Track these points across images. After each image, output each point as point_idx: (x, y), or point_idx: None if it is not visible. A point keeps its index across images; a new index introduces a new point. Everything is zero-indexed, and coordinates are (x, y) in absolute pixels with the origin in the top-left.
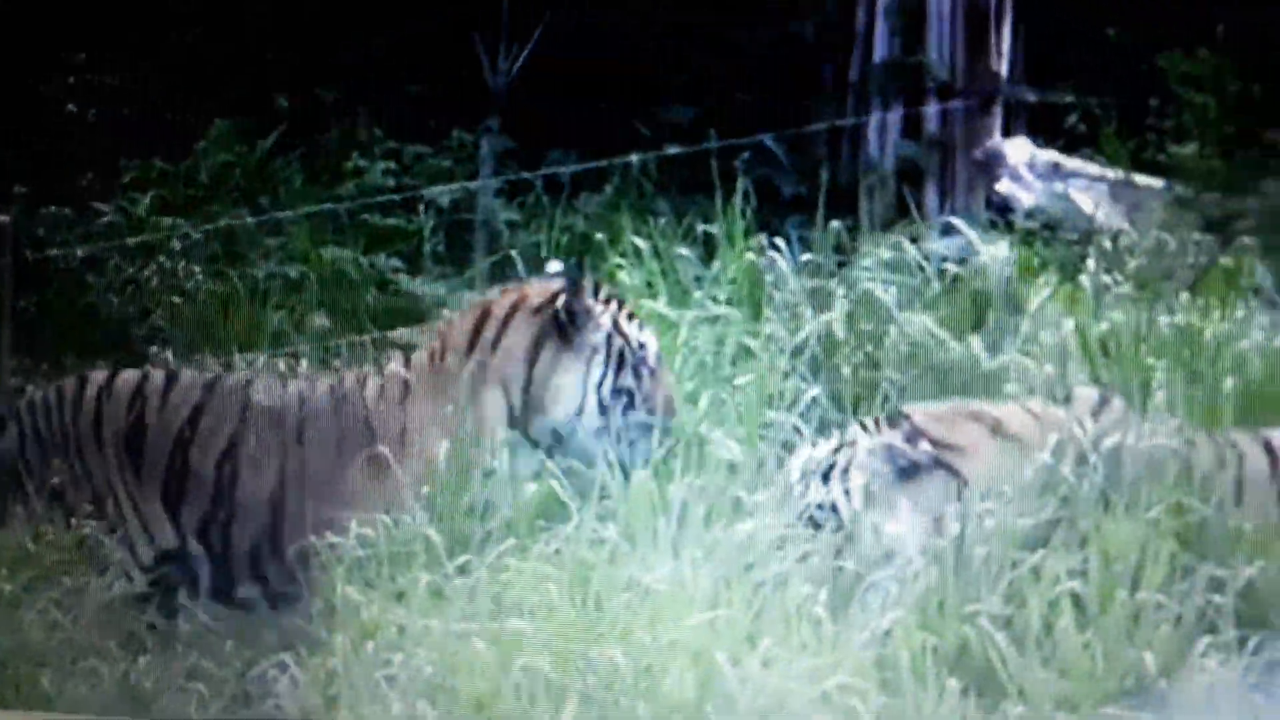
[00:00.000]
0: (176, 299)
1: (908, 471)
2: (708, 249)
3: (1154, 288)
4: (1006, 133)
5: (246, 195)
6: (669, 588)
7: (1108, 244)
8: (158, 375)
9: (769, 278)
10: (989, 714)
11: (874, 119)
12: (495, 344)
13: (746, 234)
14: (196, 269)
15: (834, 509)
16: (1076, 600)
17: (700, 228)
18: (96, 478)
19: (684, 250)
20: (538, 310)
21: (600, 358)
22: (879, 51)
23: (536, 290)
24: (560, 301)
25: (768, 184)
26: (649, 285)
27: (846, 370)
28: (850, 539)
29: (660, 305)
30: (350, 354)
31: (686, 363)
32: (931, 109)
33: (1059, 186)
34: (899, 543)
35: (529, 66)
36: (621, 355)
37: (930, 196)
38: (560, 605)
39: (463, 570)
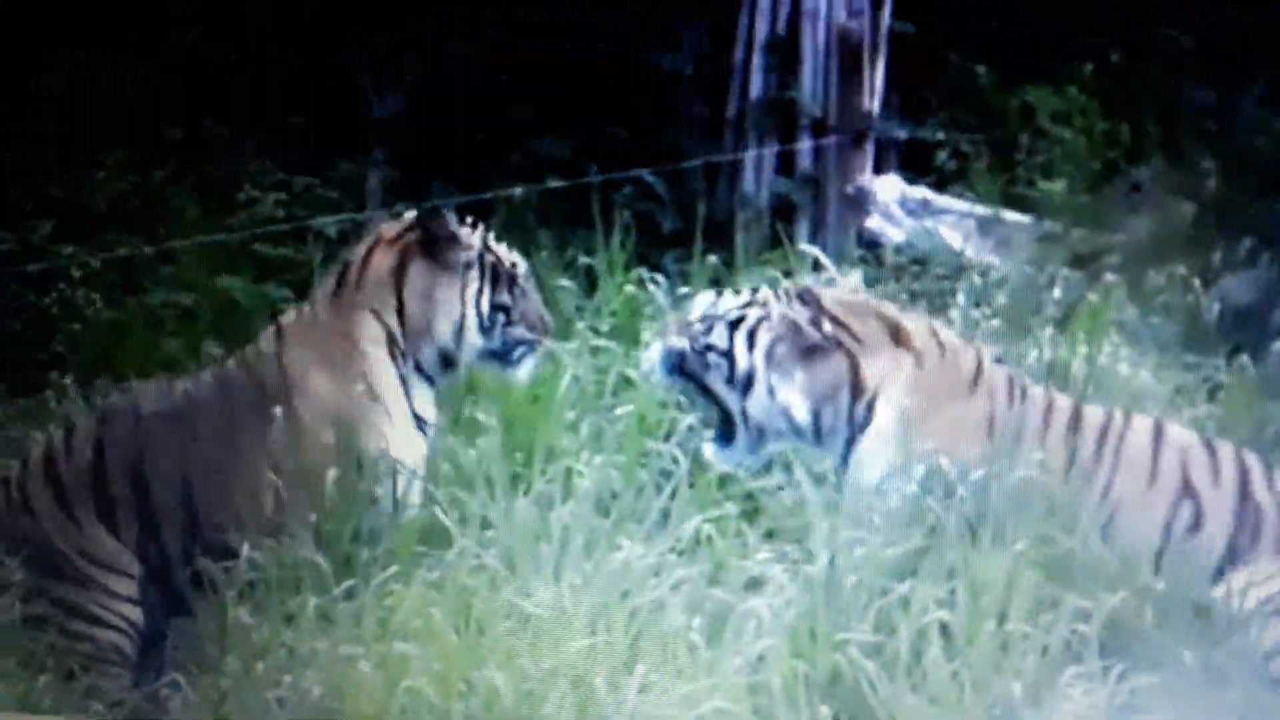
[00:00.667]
0: (76, 326)
1: (808, 348)
2: (589, 281)
3: (1022, 322)
4: (878, 169)
5: (142, 224)
6: (549, 614)
7: (977, 279)
8: (57, 435)
9: (648, 309)
10: None
11: (749, 155)
12: (359, 281)
13: (626, 266)
14: (95, 296)
15: (729, 357)
16: (945, 629)
17: (581, 260)
18: (54, 556)
19: (565, 282)
20: (396, 239)
21: (474, 273)
22: (755, 88)
23: (390, 227)
24: (418, 228)
25: (647, 218)
26: None
27: None
28: (745, 391)
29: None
30: None
31: (568, 392)
32: (805, 146)
33: (929, 222)
34: (789, 406)
35: (413, 101)
36: (495, 271)
37: (803, 231)
38: (443, 630)
39: (349, 595)
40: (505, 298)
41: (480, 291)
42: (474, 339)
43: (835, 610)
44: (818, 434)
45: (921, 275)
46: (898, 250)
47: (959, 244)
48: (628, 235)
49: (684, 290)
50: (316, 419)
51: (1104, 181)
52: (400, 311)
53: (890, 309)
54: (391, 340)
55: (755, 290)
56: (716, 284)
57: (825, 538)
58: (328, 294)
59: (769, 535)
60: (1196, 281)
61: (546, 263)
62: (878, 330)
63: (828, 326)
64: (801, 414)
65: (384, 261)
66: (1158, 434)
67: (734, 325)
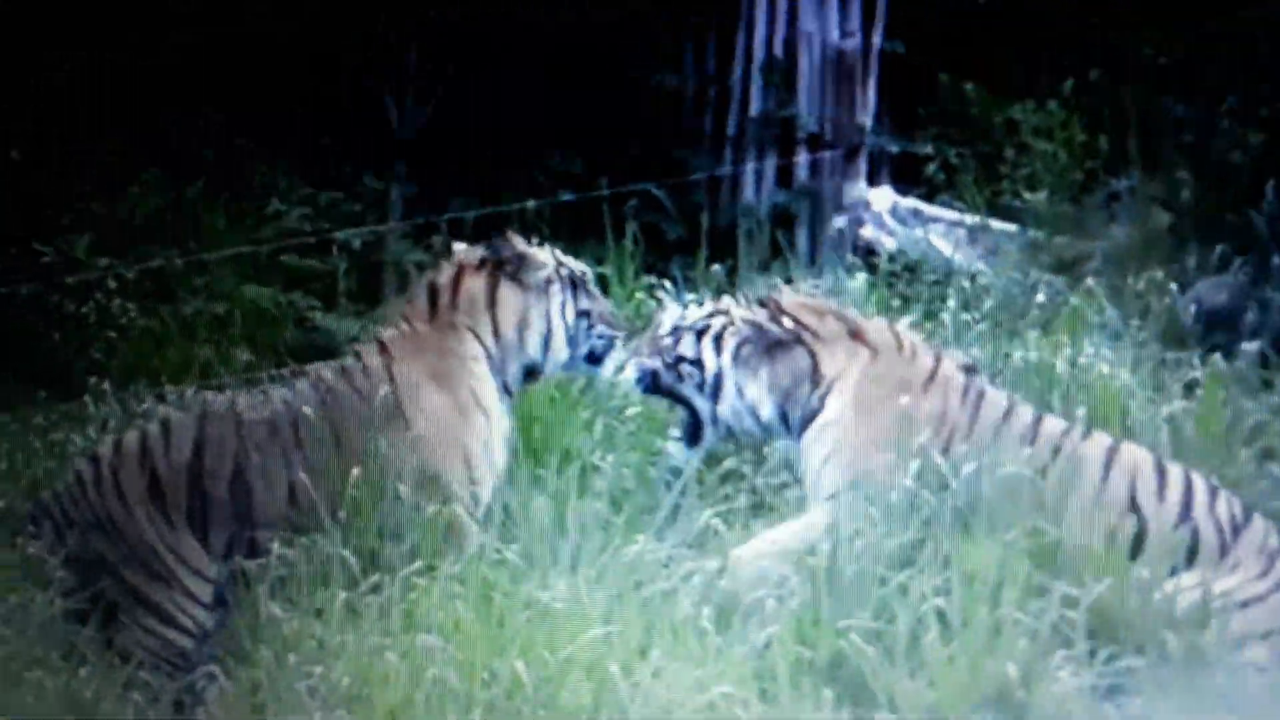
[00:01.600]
0: (112, 334)
1: (771, 346)
2: (600, 288)
3: (1009, 325)
4: (872, 181)
5: (175, 238)
6: (566, 605)
7: (966, 284)
8: (153, 427)
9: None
10: None
11: (750, 168)
12: (453, 302)
13: (636, 274)
14: (130, 306)
15: (699, 364)
16: (941, 616)
17: (594, 269)
18: (139, 547)
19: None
20: (480, 265)
21: (556, 288)
22: (754, 106)
23: (467, 254)
24: (495, 253)
25: (654, 228)
26: None
27: None
28: (715, 394)
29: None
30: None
31: (583, 395)
32: (802, 159)
33: (920, 231)
34: (756, 404)
35: (434, 119)
36: (573, 281)
37: (802, 240)
38: (466, 622)
39: (375, 589)
40: (586, 304)
41: (564, 304)
42: (561, 350)
43: (837, 599)
44: (784, 426)
45: (913, 281)
46: (891, 258)
47: (948, 251)
48: (636, 245)
49: (690, 296)
50: (432, 429)
51: (1085, 192)
52: (495, 332)
53: (849, 311)
54: (489, 357)
55: (718, 299)
56: (720, 290)
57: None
58: (423, 313)
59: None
60: (1173, 286)
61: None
62: (835, 327)
63: (788, 322)
64: (766, 410)
65: (475, 285)
66: (1111, 452)
67: (700, 334)
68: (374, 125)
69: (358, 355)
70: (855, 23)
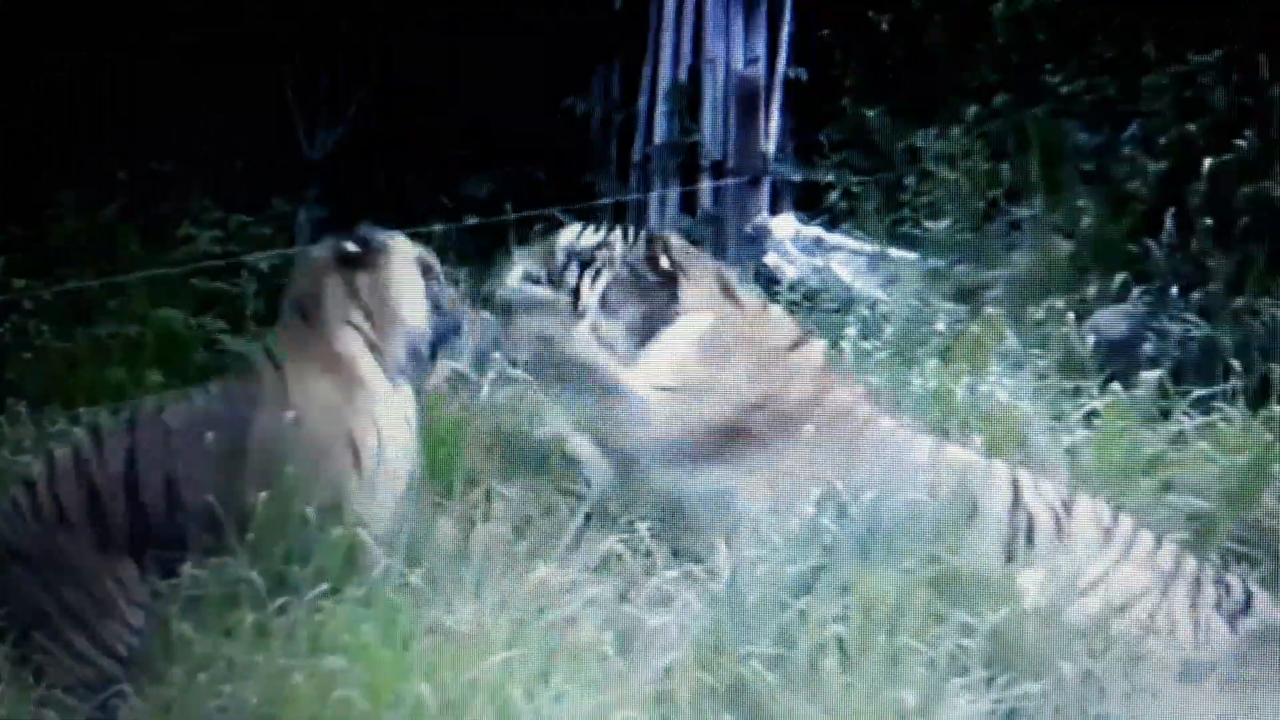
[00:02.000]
0: (28, 355)
1: (641, 288)
2: (505, 314)
3: (908, 352)
4: (774, 209)
5: (91, 259)
6: (470, 629)
7: (866, 312)
8: (84, 439)
9: None
10: None
11: (655, 194)
12: (321, 306)
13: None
14: (46, 328)
15: (575, 293)
16: (840, 643)
17: (499, 293)
18: (81, 572)
19: (484, 314)
20: (334, 262)
21: (413, 271)
22: (659, 132)
23: (320, 251)
24: (349, 248)
25: None
26: None
27: None
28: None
29: (462, 366)
30: None
31: (486, 421)
32: (706, 186)
33: (821, 259)
34: (610, 341)
35: (343, 143)
36: (424, 266)
37: None
38: (371, 644)
39: (283, 610)
40: (435, 290)
41: (425, 288)
42: (426, 329)
43: (738, 625)
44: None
45: (814, 309)
46: (792, 286)
47: (849, 279)
48: None
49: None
50: (317, 415)
51: (986, 220)
52: (368, 317)
53: (730, 275)
54: (369, 344)
55: (611, 230)
56: None
57: (727, 557)
58: (299, 325)
59: (676, 554)
60: (1072, 314)
61: (466, 296)
62: (711, 279)
63: (665, 262)
64: (620, 345)
65: (336, 282)
66: (937, 449)
67: (584, 265)
68: (285, 148)
69: (253, 368)
70: (760, 49)
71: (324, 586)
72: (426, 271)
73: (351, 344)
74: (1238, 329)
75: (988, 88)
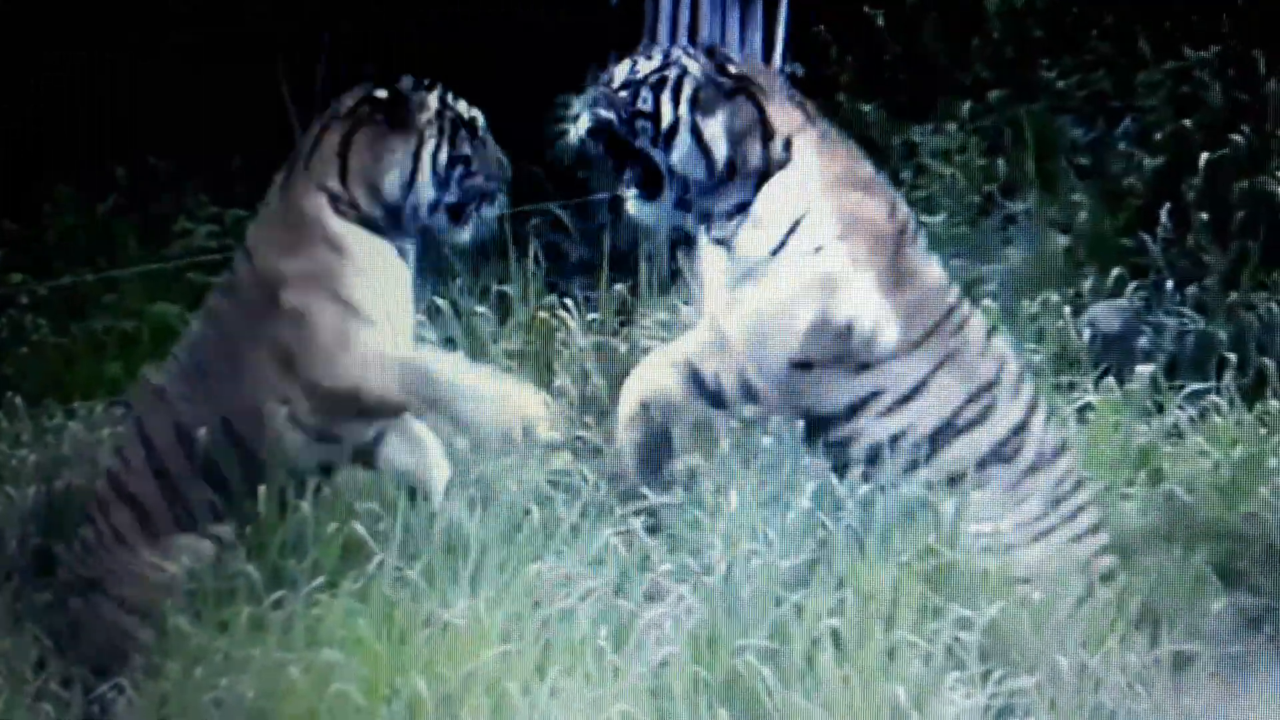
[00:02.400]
0: (24, 350)
1: (724, 93)
2: (502, 308)
3: None
4: None
5: (87, 255)
6: (466, 623)
7: None
8: (113, 460)
9: (559, 334)
10: None
11: None
12: (308, 162)
13: (538, 294)
14: (43, 322)
15: (654, 118)
16: (836, 637)
17: (495, 288)
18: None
19: (481, 308)
20: (348, 113)
21: (432, 130)
22: None
23: (345, 100)
24: (369, 99)
25: (556, 248)
26: (449, 341)
27: None
28: (668, 144)
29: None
30: None
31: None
32: None
33: None
34: (711, 144)
35: None
36: (455, 125)
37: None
38: (368, 638)
39: (279, 604)
40: (465, 149)
41: (438, 147)
42: (426, 190)
43: (733, 619)
44: (734, 172)
45: None
46: None
47: None
48: (539, 265)
49: (591, 316)
50: (301, 296)
51: (981, 214)
52: (342, 175)
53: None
54: (335, 200)
55: (668, 53)
56: (621, 310)
57: (723, 551)
58: (278, 186)
59: (671, 549)
60: (1068, 309)
61: (462, 290)
62: (780, 86)
63: (732, 68)
64: (721, 150)
65: (333, 137)
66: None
67: (657, 87)
68: (282, 143)
69: (232, 269)
70: (756, 45)
71: (320, 580)
72: (465, 127)
73: (315, 206)
74: (1233, 324)
75: (983, 83)
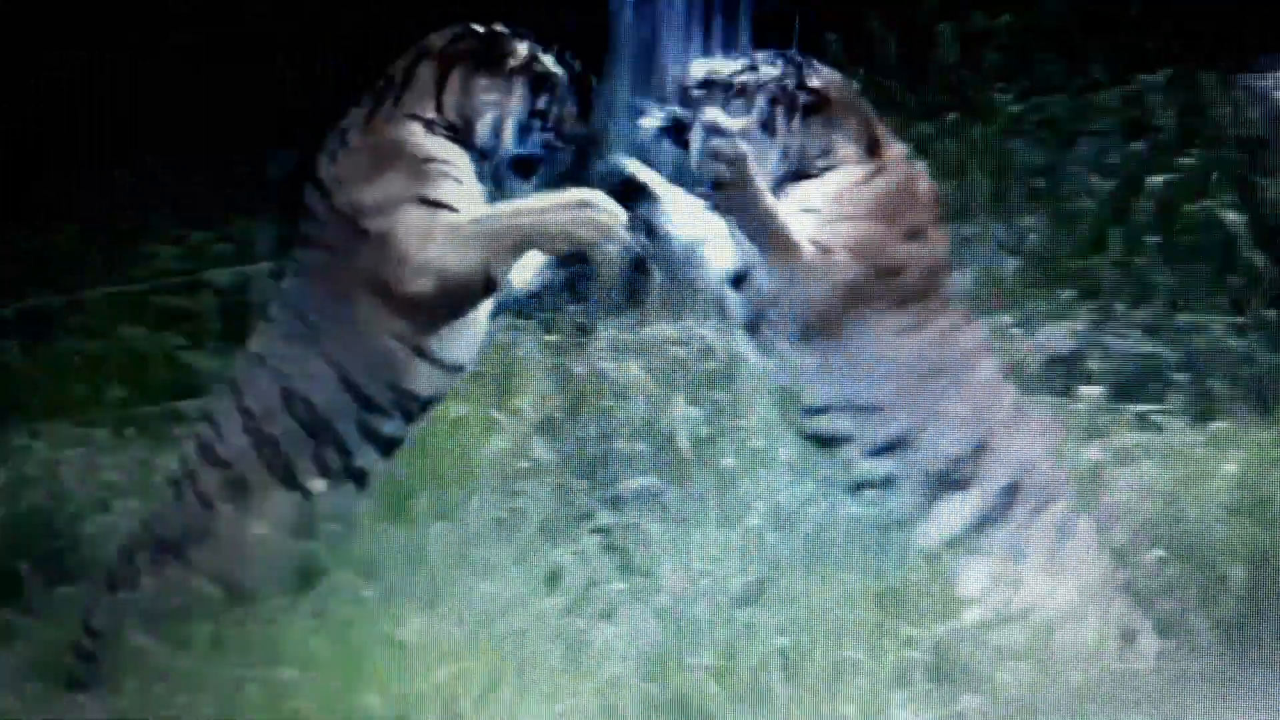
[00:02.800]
0: None
1: (796, 107)
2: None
3: None
4: None
5: (54, 277)
6: (420, 641)
7: None
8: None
9: (518, 353)
10: None
11: None
12: (400, 95)
13: (493, 315)
14: (10, 344)
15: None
16: (785, 656)
17: None
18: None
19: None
20: (442, 50)
21: (520, 80)
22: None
23: (438, 38)
24: (466, 37)
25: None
26: None
27: (586, 442)
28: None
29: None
30: (141, 425)
31: (437, 436)
32: None
33: None
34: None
35: (305, 159)
36: (541, 79)
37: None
38: (324, 657)
39: (237, 622)
40: (544, 105)
41: (524, 98)
42: (510, 140)
43: (684, 637)
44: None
45: None
46: None
47: None
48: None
49: (549, 337)
50: (385, 218)
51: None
52: (439, 108)
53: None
54: (429, 125)
55: (752, 58)
56: (580, 330)
57: (674, 569)
58: (361, 119)
59: (623, 567)
60: (1018, 330)
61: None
62: (857, 117)
63: (815, 81)
64: (780, 164)
65: (427, 72)
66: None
67: (729, 92)
68: (248, 164)
69: (307, 208)
70: None
71: (279, 598)
72: (540, 83)
73: (409, 133)
74: (1181, 346)
75: (938, 106)
